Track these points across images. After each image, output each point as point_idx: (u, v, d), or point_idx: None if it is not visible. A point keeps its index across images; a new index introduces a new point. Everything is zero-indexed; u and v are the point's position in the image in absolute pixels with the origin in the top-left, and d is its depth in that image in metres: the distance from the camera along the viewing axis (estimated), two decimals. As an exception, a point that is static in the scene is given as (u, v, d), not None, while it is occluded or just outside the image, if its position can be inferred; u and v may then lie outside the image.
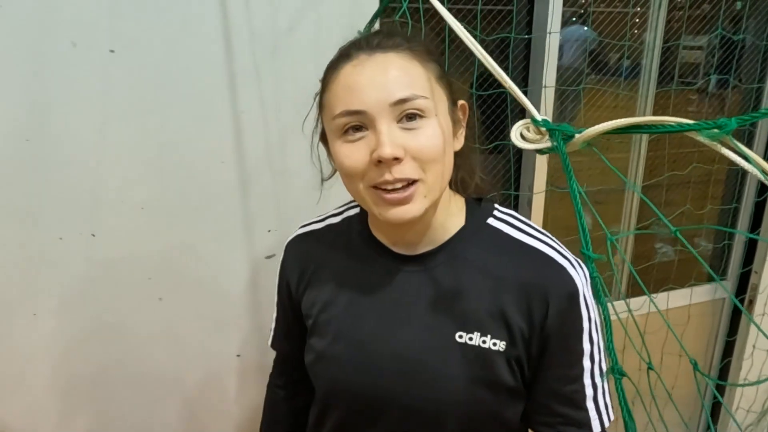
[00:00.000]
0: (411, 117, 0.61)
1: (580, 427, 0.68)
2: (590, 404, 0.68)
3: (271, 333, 0.89)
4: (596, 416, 0.68)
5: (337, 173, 0.69)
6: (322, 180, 0.78)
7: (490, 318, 0.67)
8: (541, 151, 0.52)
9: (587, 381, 0.68)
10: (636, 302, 1.69)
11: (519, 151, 1.50)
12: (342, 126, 0.63)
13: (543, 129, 0.51)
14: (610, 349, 0.52)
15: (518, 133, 0.53)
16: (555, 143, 0.49)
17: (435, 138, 0.62)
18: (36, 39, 0.95)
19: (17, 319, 1.08)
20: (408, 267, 0.71)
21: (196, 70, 1.03)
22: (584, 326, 0.67)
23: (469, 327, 0.67)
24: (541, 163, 1.46)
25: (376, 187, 0.62)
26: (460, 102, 0.69)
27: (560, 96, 1.49)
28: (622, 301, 1.59)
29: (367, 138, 0.62)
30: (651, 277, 1.82)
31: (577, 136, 0.48)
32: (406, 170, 0.61)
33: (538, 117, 0.51)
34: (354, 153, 0.62)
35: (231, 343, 1.23)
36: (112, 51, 0.99)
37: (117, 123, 1.02)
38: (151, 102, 1.02)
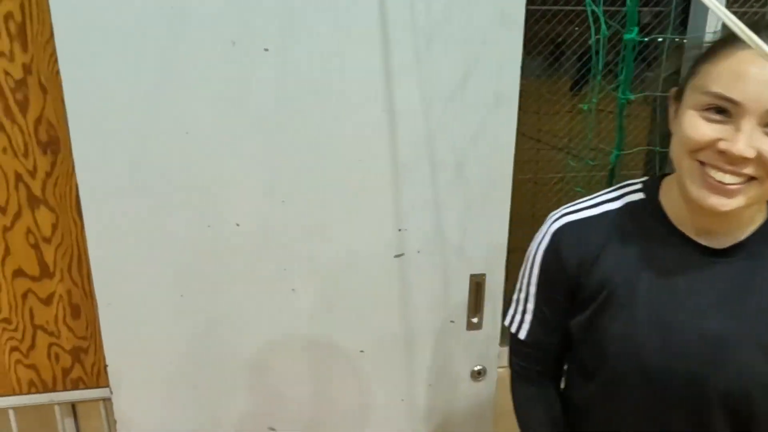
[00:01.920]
0: None
1: None
2: None
3: (526, 325, 0.87)
4: None
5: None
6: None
7: None
8: None
9: None
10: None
11: None
12: (706, 103, 0.63)
13: None
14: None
15: None
16: None
17: None
18: (201, 38, 1.01)
19: (161, 299, 1.15)
20: (714, 258, 0.72)
21: (350, 64, 1.05)
22: None
23: None
24: None
25: (704, 163, 0.63)
26: None
27: None
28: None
29: (726, 126, 0.62)
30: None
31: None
32: (747, 169, 0.61)
33: None
34: (703, 128, 0.63)
35: (356, 339, 1.24)
36: (266, 49, 1.03)
37: (268, 119, 1.07)
38: (303, 98, 1.06)
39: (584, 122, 1.51)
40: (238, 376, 1.22)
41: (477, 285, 1.24)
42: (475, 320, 1.26)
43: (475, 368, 1.30)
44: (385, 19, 1.05)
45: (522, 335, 0.87)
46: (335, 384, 1.27)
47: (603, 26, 1.17)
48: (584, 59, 1.51)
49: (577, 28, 1.50)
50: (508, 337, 0.92)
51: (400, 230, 1.18)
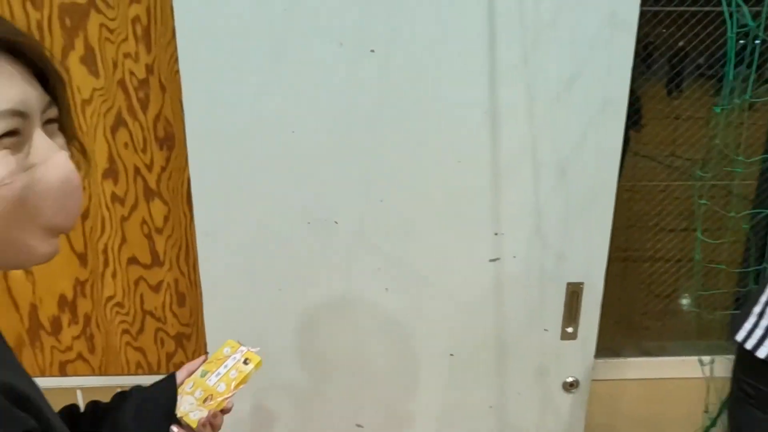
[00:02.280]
0: None
1: None
2: None
3: None
4: None
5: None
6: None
7: None
8: None
9: None
10: None
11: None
12: None
13: None
14: None
15: None
16: None
17: None
18: (311, 40, 1.04)
19: (261, 292, 1.19)
20: None
21: (456, 65, 1.05)
22: None
23: None
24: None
25: None
26: None
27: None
28: None
29: None
30: None
31: None
32: None
33: None
34: None
35: (446, 342, 1.23)
36: (372, 51, 1.05)
37: (371, 119, 1.08)
38: (406, 99, 1.07)
39: (691, 129, 1.44)
40: (329, 372, 1.25)
41: (574, 294, 1.20)
42: (570, 330, 1.22)
43: (568, 380, 1.26)
44: (492, 21, 1.04)
45: (762, 353, 0.80)
46: (423, 385, 1.26)
47: (750, 22, 1.10)
48: (674, 61, 1.44)
49: (665, 30, 1.42)
50: (737, 354, 0.84)
51: (496, 234, 1.16)
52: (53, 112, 0.52)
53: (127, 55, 1.08)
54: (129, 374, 1.30)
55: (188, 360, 1.31)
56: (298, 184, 1.11)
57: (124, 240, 1.19)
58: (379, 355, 1.24)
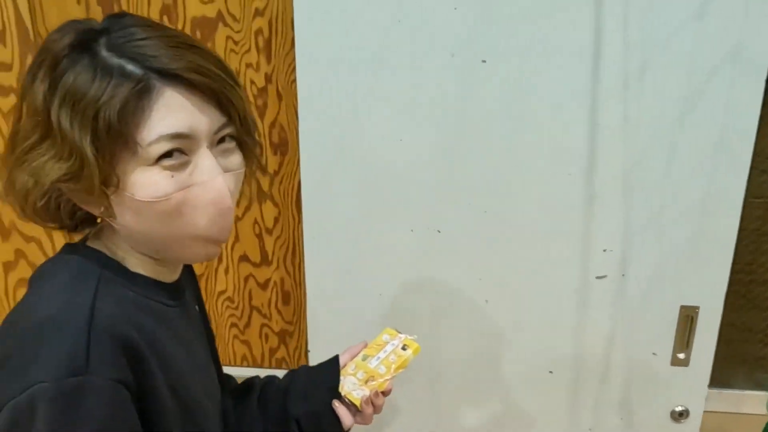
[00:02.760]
0: None
1: None
2: None
3: None
4: None
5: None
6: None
7: None
8: None
9: None
10: None
11: None
12: None
13: None
14: None
15: None
16: None
17: None
18: (423, 49, 1.05)
19: (362, 296, 1.22)
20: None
21: (560, 80, 1.03)
22: None
23: None
24: None
25: None
26: None
27: None
28: None
29: None
30: None
31: None
32: None
33: None
34: None
35: (545, 359, 1.20)
36: (483, 61, 1.05)
37: (480, 129, 1.08)
38: (515, 110, 1.06)
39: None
40: (424, 383, 1.25)
41: (687, 318, 1.13)
42: (681, 356, 1.15)
43: (677, 408, 1.18)
44: (599, 36, 1.01)
45: None
46: (519, 401, 1.24)
47: None
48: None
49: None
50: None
51: (605, 251, 1.12)
52: (228, 130, 0.58)
53: (248, 65, 1.15)
54: (234, 365, 1.37)
55: (289, 356, 1.37)
56: (403, 191, 1.13)
57: (237, 239, 1.27)
58: (476, 366, 1.23)
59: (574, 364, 1.19)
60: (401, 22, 1.05)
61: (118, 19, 0.56)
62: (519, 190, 1.11)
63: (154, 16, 1.14)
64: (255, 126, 0.64)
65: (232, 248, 1.28)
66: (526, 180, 1.10)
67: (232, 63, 1.15)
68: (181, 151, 0.55)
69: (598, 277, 1.14)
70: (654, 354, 1.16)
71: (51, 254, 1.31)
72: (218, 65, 0.57)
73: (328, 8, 1.04)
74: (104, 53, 0.53)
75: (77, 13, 1.15)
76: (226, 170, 0.58)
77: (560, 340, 1.18)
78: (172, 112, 0.54)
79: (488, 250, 1.14)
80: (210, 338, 0.80)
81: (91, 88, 0.52)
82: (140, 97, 0.53)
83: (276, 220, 1.25)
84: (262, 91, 1.17)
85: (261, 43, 1.14)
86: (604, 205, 1.09)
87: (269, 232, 1.26)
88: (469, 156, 1.10)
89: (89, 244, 0.63)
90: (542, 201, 1.11)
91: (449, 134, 1.09)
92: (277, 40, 1.14)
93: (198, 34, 1.14)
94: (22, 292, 1.33)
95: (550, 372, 1.21)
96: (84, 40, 0.54)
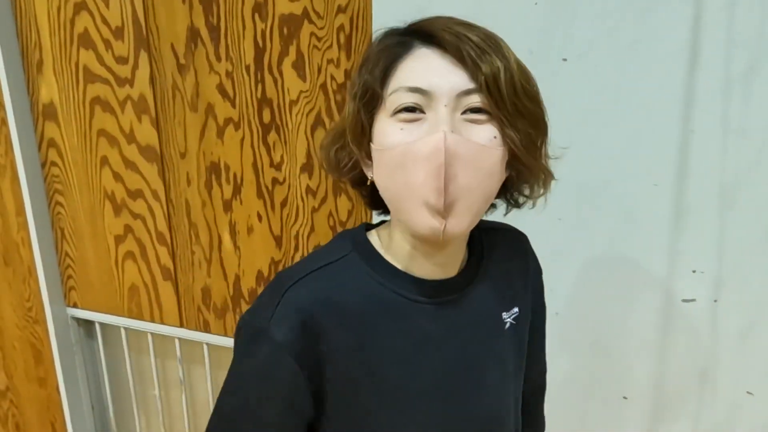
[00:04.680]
0: None
1: None
2: None
3: None
4: None
5: None
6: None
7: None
8: None
9: None
10: None
11: None
12: None
13: None
14: None
15: None
16: None
17: None
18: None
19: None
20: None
21: (650, 80, 0.94)
22: None
23: None
24: None
25: None
26: None
27: None
28: None
29: None
30: None
31: None
32: None
33: None
34: None
35: (619, 384, 1.11)
36: (564, 59, 0.99)
37: (553, 131, 1.02)
38: (600, 109, 0.99)
39: None
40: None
41: (793, 357, 0.98)
42: (782, 399, 1.01)
43: (772, 456, 1.04)
44: (697, 36, 0.90)
45: None
46: (591, 429, 1.15)
47: None
48: None
49: None
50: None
51: (694, 272, 1.00)
52: (475, 98, 0.58)
53: (330, 61, 1.18)
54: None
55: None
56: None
57: (312, 229, 1.31)
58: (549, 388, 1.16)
59: (651, 390, 1.09)
60: (478, 18, 1.01)
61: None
62: (597, 199, 1.03)
63: (247, 13, 1.20)
64: (535, 124, 0.61)
65: (308, 238, 1.32)
66: (605, 188, 1.02)
67: (315, 59, 1.18)
68: (419, 108, 0.58)
69: (684, 300, 1.02)
70: (749, 393, 1.03)
71: (153, 230, 1.45)
72: (486, 39, 0.59)
73: (406, 4, 1.04)
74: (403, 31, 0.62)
75: (183, 11, 1.25)
76: (462, 135, 0.57)
77: (637, 365, 1.08)
78: (416, 68, 0.59)
79: (559, 261, 1.08)
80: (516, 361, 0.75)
81: (371, 50, 0.62)
82: (397, 52, 0.60)
83: (349, 213, 1.27)
84: (342, 86, 1.19)
85: (342, 40, 1.16)
86: (696, 221, 0.98)
87: (342, 224, 1.29)
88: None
89: (376, 230, 0.69)
90: (626, 209, 1.02)
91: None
92: (357, 36, 1.15)
93: (285, 31, 1.18)
94: (129, 263, 1.49)
95: (625, 398, 1.11)
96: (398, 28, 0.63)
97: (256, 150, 1.28)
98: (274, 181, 1.29)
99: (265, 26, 1.20)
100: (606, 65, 0.96)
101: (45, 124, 1.46)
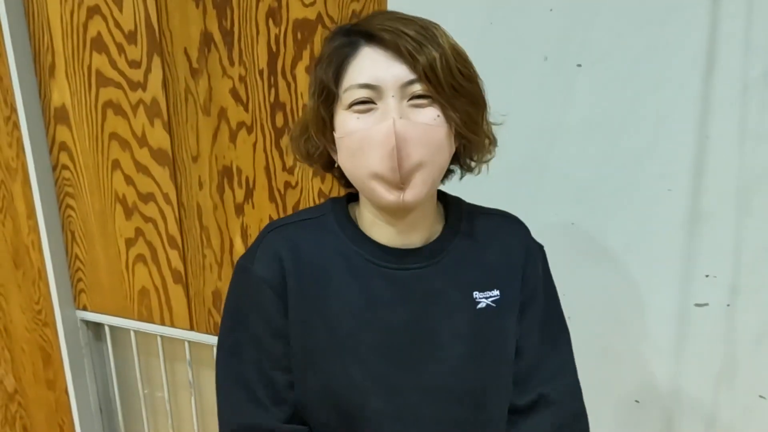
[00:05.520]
0: None
1: None
2: None
3: None
4: None
5: None
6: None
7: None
8: None
9: None
10: None
11: None
12: None
13: None
14: None
15: None
16: None
17: None
18: (514, 53, 1.02)
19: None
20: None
21: (665, 86, 0.95)
22: None
23: None
24: None
25: None
26: None
27: None
28: None
29: None
30: None
31: None
32: None
33: None
34: None
35: (631, 387, 1.11)
36: (579, 65, 0.99)
37: (568, 136, 1.03)
38: (614, 116, 0.99)
39: None
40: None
41: (805, 361, 0.99)
42: (794, 403, 1.01)
43: (785, 461, 1.04)
44: (713, 41, 0.90)
45: None
46: (604, 428, 1.16)
47: None
48: None
49: None
50: None
51: (707, 276, 1.01)
52: (417, 87, 0.66)
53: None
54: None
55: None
56: (490, 197, 1.10)
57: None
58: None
59: (663, 393, 1.09)
60: (493, 24, 1.02)
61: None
62: (611, 203, 1.03)
63: (261, 18, 1.21)
64: (474, 101, 0.69)
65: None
66: (620, 192, 1.02)
67: (328, 63, 1.19)
68: (370, 100, 0.66)
69: (697, 305, 1.03)
70: (761, 397, 1.03)
71: (165, 233, 1.45)
72: (421, 32, 0.65)
73: (420, 10, 1.04)
74: (349, 30, 0.69)
75: (196, 15, 1.26)
76: (409, 119, 0.65)
77: (649, 368, 1.09)
78: (364, 66, 0.66)
79: (573, 265, 1.08)
80: (505, 338, 0.76)
81: (324, 50, 0.70)
82: (346, 52, 0.67)
83: (362, 217, 1.28)
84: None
85: (356, 44, 1.17)
86: (709, 226, 0.99)
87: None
88: (559, 164, 1.05)
89: (351, 202, 0.78)
90: (640, 215, 1.03)
91: (540, 141, 1.05)
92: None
93: (299, 36, 1.19)
94: (140, 266, 1.49)
95: (636, 401, 1.12)
96: (345, 27, 0.70)
97: (269, 154, 1.29)
98: (287, 184, 1.29)
99: (279, 31, 1.20)
100: (621, 71, 0.97)
101: (56, 128, 1.46)
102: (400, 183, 0.66)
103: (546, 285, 0.81)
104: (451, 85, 0.66)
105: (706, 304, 1.02)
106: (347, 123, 0.67)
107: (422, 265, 0.73)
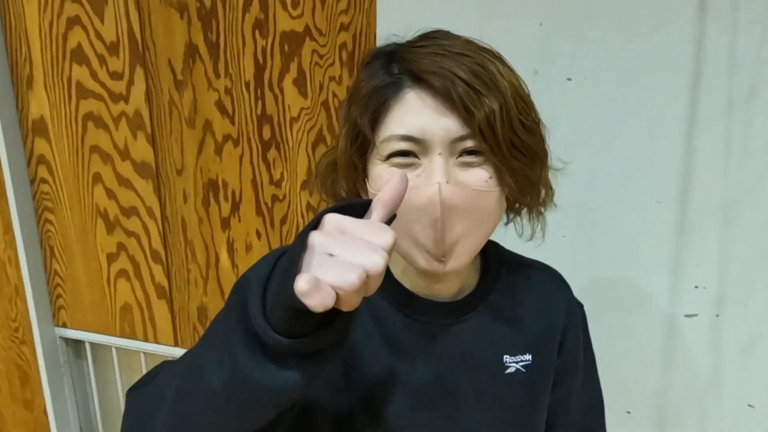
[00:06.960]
0: None
1: None
2: None
3: None
4: None
5: None
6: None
7: None
8: None
9: None
10: None
11: None
12: None
13: None
14: None
15: None
16: None
17: None
18: (504, 67, 1.02)
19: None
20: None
21: (653, 100, 0.96)
22: None
23: None
24: None
25: None
26: None
27: None
28: None
29: None
30: None
31: None
32: None
33: None
34: None
35: (622, 398, 1.12)
36: (569, 79, 1.00)
37: (558, 149, 1.03)
38: (604, 130, 1.00)
39: None
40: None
41: (793, 370, 1.00)
42: (783, 412, 1.03)
43: (775, 470, 1.06)
44: (700, 57, 0.92)
45: None
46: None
47: None
48: None
49: None
50: None
51: (696, 287, 1.02)
52: (467, 144, 0.56)
53: (332, 78, 1.18)
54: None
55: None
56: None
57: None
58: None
59: (653, 405, 1.10)
60: (483, 38, 1.02)
61: (422, 34, 0.61)
62: (601, 215, 1.04)
63: (247, 30, 1.19)
64: (534, 156, 0.60)
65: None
66: (609, 205, 1.03)
67: (316, 76, 1.18)
68: (413, 153, 0.57)
69: (686, 316, 1.04)
70: (751, 406, 1.04)
71: (148, 248, 1.42)
72: (478, 74, 0.55)
73: (410, 23, 1.03)
74: (391, 60, 0.59)
75: (181, 27, 1.24)
76: (458, 184, 0.56)
77: (639, 380, 1.09)
78: (408, 114, 0.56)
79: (572, 275, 1.08)
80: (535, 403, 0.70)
81: (360, 83, 0.60)
82: (386, 94, 0.57)
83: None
84: (344, 104, 1.18)
85: (344, 57, 1.16)
86: (698, 237, 1.00)
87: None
88: (550, 177, 1.05)
89: None
90: (629, 227, 1.03)
91: (528, 154, 1.05)
92: (360, 54, 1.15)
93: (286, 48, 1.18)
94: (122, 282, 1.46)
95: (628, 412, 1.12)
96: (388, 52, 0.60)
97: (256, 167, 1.27)
98: (274, 198, 1.28)
99: (266, 43, 1.19)
100: (610, 85, 0.98)
101: (35, 140, 1.43)
102: (442, 256, 0.57)
103: (586, 351, 0.76)
104: (510, 140, 0.56)
105: (696, 315, 1.03)
106: (383, 178, 0.57)
107: (452, 322, 0.66)
